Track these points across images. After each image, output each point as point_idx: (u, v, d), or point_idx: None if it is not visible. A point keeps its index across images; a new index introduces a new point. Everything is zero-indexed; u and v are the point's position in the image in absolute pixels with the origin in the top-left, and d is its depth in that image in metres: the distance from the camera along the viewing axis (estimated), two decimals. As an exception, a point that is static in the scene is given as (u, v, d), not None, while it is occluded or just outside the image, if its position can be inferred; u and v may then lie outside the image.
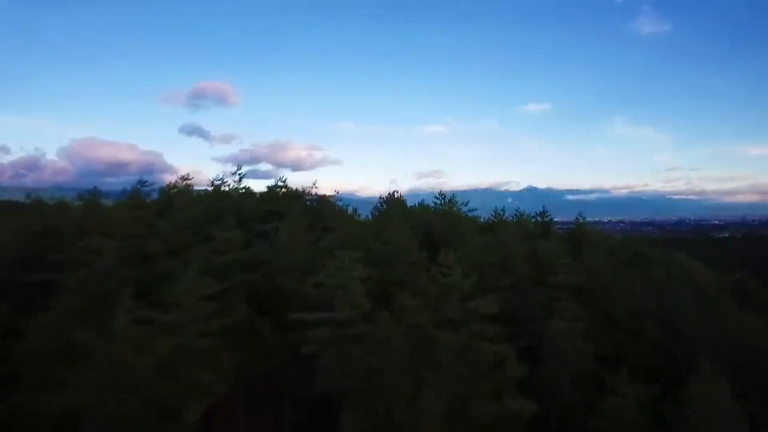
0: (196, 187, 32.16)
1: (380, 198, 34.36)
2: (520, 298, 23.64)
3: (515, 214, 34.50)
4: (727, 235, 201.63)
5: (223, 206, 24.15)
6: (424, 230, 30.31)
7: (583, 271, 26.52)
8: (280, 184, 30.63)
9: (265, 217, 23.71)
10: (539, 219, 33.31)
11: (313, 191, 31.49)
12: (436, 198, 33.41)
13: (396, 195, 34.63)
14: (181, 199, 26.21)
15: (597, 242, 31.35)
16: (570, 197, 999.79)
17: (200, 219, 21.71)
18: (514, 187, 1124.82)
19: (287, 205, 25.07)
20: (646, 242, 39.50)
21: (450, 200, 32.90)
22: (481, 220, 35.93)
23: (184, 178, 31.62)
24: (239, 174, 29.27)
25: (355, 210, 35.57)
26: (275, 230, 20.66)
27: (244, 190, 31.80)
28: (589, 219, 39.86)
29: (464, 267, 21.23)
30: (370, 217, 34.66)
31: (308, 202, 30.76)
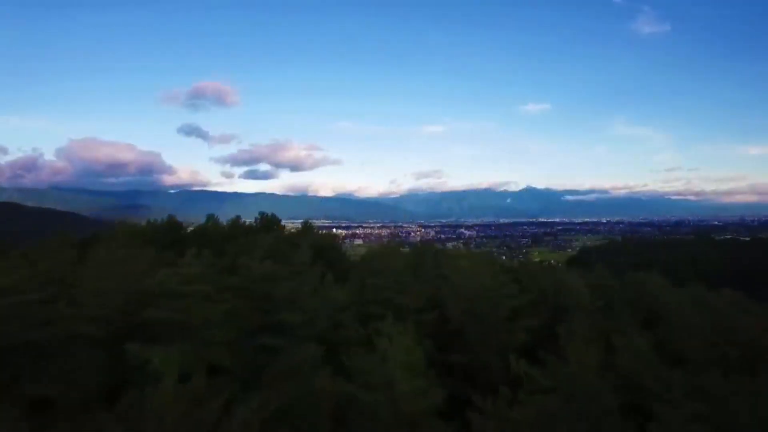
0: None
1: (370, 250, 24.39)
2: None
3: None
4: (728, 236, 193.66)
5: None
6: (435, 299, 20.66)
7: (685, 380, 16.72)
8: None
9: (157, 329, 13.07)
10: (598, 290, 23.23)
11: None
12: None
13: (391, 242, 24.69)
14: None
15: (683, 319, 21.40)
16: (569, 197, 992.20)
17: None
18: (513, 188, 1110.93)
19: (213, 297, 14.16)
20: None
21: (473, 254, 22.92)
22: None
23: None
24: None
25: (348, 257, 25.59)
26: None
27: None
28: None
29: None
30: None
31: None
